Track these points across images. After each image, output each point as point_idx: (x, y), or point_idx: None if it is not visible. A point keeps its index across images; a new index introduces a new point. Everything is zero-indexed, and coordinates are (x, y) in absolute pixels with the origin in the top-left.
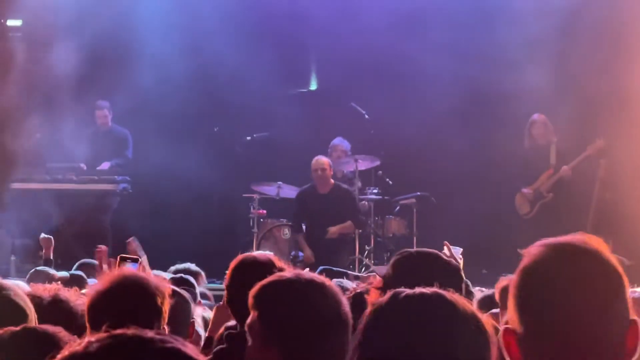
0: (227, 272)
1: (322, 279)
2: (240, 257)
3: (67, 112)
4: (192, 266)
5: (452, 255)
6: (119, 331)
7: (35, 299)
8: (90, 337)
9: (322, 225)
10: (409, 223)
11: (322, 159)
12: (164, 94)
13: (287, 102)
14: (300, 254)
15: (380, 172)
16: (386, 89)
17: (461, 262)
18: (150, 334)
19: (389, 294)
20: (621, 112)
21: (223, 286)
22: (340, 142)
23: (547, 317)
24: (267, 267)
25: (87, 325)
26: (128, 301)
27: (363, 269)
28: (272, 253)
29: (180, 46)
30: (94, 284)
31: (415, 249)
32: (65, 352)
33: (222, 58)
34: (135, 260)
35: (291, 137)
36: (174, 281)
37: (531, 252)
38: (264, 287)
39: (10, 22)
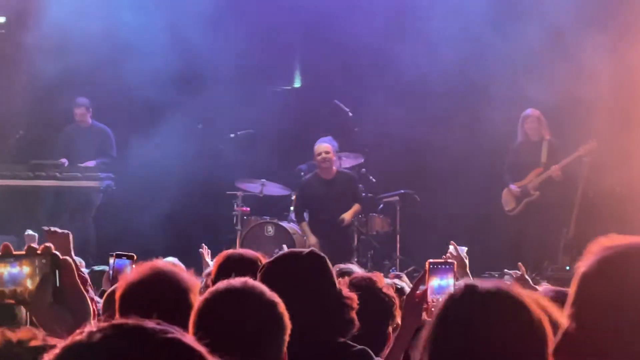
0: (213, 267)
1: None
2: (226, 253)
3: (50, 108)
4: (175, 260)
5: (458, 255)
6: (120, 321)
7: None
8: (92, 327)
9: (329, 211)
10: (393, 220)
11: (324, 143)
12: (148, 90)
13: (272, 99)
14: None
15: (364, 169)
16: (370, 87)
17: (467, 261)
18: (151, 324)
19: (463, 287)
20: (615, 113)
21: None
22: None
23: None
24: (254, 263)
25: (117, 316)
26: (162, 295)
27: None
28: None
29: (164, 42)
30: (124, 276)
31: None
32: (68, 340)
33: (207, 54)
34: (130, 257)
35: (275, 134)
36: None
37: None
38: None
39: None
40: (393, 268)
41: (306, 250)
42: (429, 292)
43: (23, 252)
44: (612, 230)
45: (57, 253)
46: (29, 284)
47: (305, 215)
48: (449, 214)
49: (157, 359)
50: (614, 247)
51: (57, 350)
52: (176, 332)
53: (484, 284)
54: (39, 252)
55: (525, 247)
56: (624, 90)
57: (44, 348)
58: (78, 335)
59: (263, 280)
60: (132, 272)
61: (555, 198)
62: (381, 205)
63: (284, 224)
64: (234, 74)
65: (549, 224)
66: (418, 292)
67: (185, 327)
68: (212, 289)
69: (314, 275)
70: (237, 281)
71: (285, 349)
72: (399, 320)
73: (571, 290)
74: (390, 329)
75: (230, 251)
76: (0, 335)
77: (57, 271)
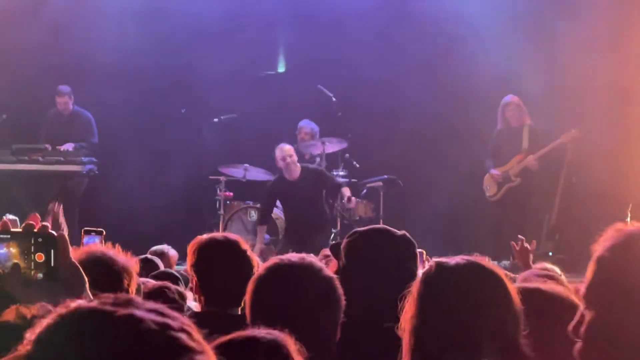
0: (190, 253)
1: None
2: (202, 238)
3: (31, 92)
4: (166, 247)
5: (522, 249)
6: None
7: None
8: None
9: (300, 210)
10: (376, 206)
11: (286, 146)
12: (130, 75)
13: (255, 84)
14: (267, 237)
15: (347, 155)
16: (353, 71)
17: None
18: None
19: (433, 264)
20: (598, 101)
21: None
22: (306, 124)
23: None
24: (233, 247)
25: None
26: (93, 279)
27: None
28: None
29: (147, 28)
30: None
31: (363, 228)
32: (59, 310)
33: (190, 39)
34: (99, 233)
35: (258, 119)
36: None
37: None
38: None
39: None
40: None
41: (400, 232)
42: None
43: (20, 230)
44: (594, 218)
45: (53, 232)
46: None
47: (279, 215)
48: (433, 198)
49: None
50: (628, 231)
51: (49, 319)
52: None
53: (455, 259)
54: (35, 230)
55: (506, 232)
56: (613, 79)
57: None
58: (66, 306)
59: (346, 251)
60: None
61: (537, 184)
62: (364, 191)
63: None
64: (218, 59)
65: (531, 210)
66: None
67: None
68: (268, 264)
69: (404, 257)
70: (294, 256)
71: (338, 324)
72: None
73: (587, 274)
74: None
75: (203, 236)
76: (15, 312)
77: (52, 250)
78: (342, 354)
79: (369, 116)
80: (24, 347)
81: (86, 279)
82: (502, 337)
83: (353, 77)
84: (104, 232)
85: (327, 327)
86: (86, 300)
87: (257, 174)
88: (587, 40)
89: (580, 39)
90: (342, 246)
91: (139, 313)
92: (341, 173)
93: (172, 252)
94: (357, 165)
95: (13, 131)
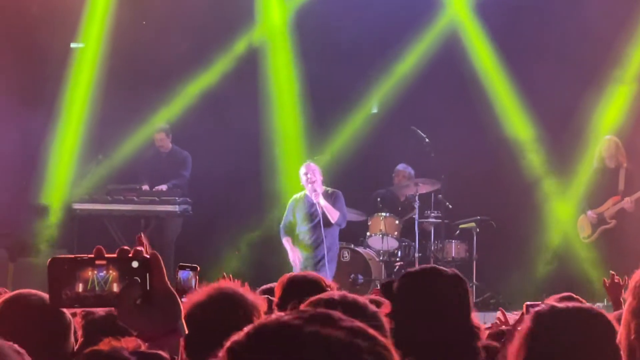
0: (276, 291)
1: None
2: (287, 276)
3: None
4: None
5: (506, 321)
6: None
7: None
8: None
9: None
10: (469, 247)
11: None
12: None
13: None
14: (360, 277)
15: (440, 195)
16: (446, 112)
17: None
18: (337, 313)
19: (546, 306)
20: None
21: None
22: (404, 168)
23: None
24: (317, 284)
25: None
26: (224, 316)
27: None
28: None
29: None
30: (190, 295)
31: (417, 267)
32: (258, 322)
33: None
34: (193, 269)
35: (352, 159)
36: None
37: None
38: None
39: None
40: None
41: (449, 270)
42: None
43: (115, 255)
44: None
45: (147, 256)
46: (115, 288)
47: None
48: (526, 240)
49: (345, 342)
50: None
51: (247, 330)
52: (360, 323)
53: (565, 303)
54: (130, 255)
55: (600, 275)
56: None
57: (151, 356)
58: (267, 319)
59: (397, 291)
60: (198, 292)
61: (632, 227)
62: (457, 232)
63: (360, 249)
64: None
65: (624, 255)
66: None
67: None
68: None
69: (454, 297)
70: (335, 293)
71: None
72: None
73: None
74: None
75: (292, 274)
76: (108, 345)
77: (147, 274)
78: None
79: (462, 156)
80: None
81: (182, 306)
82: None
83: (445, 118)
84: (199, 268)
85: None
86: (180, 329)
87: (350, 214)
88: None
89: None
90: (394, 287)
91: (326, 331)
92: (433, 214)
93: None
94: (450, 206)
95: (109, 172)
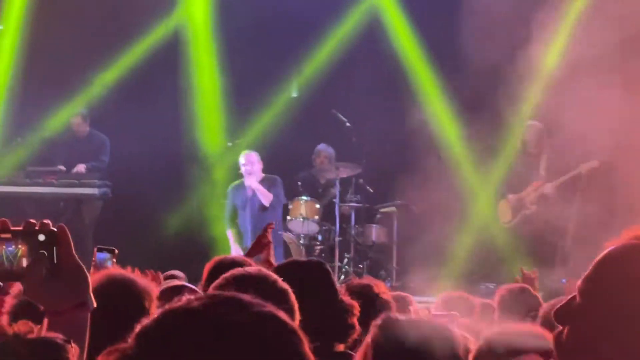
0: (203, 273)
1: None
2: (216, 259)
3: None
4: (178, 273)
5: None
6: (217, 292)
7: None
8: (189, 296)
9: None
10: (390, 231)
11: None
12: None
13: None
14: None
15: (361, 180)
16: (367, 96)
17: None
18: (246, 296)
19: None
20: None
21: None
22: (324, 148)
23: None
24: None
25: None
26: (114, 302)
27: (342, 277)
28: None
29: None
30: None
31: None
32: (167, 307)
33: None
34: (110, 251)
35: (272, 142)
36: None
37: None
38: None
39: None
40: (389, 279)
41: (306, 259)
42: None
43: (21, 228)
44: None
45: (55, 229)
46: (24, 263)
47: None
48: (447, 225)
49: (252, 328)
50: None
51: (156, 315)
52: (271, 307)
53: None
54: (37, 228)
55: (519, 258)
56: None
57: (41, 341)
58: (176, 303)
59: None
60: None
61: (552, 212)
62: (378, 216)
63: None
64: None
65: (544, 240)
66: None
67: None
68: (226, 275)
69: (317, 283)
70: (252, 268)
71: None
72: None
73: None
74: None
75: (220, 257)
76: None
77: (54, 248)
78: None
79: (384, 141)
80: (127, 342)
81: (90, 280)
82: None
83: (366, 103)
84: (116, 251)
85: None
86: (89, 302)
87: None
88: None
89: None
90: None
91: (230, 317)
92: (355, 198)
93: (182, 275)
94: (371, 191)
95: (26, 154)
